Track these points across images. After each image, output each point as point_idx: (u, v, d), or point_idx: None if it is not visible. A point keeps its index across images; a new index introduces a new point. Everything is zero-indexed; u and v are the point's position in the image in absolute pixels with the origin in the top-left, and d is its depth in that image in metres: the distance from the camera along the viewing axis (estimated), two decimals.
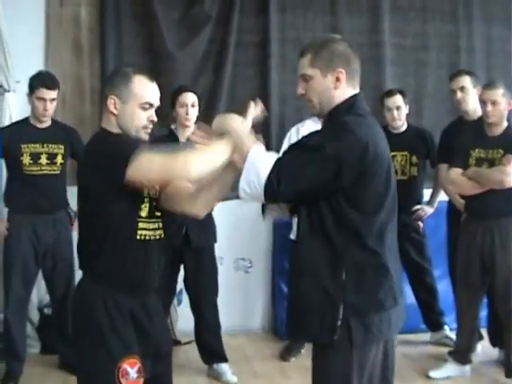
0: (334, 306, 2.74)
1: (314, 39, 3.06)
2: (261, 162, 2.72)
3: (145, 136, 3.01)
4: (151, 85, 3.03)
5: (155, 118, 3.04)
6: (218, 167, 2.83)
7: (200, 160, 2.78)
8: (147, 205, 2.97)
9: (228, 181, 2.99)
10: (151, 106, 3.01)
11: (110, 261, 2.93)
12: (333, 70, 2.84)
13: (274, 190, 2.68)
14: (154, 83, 3.05)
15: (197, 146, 2.85)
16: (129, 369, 2.89)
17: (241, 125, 2.90)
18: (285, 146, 5.83)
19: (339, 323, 2.73)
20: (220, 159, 2.81)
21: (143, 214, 2.95)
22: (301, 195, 2.75)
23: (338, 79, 2.85)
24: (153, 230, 3.00)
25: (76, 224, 5.30)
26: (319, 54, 2.87)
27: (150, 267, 3.05)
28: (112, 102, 2.97)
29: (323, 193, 2.74)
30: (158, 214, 3.03)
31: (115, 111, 2.98)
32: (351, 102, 2.88)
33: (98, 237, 2.93)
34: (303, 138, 2.87)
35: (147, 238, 2.97)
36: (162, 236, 3.08)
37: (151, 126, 3.04)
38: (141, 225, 2.95)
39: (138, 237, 2.95)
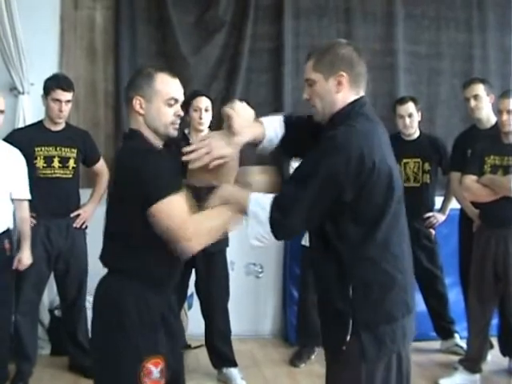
0: (343, 322, 2.74)
1: (320, 44, 3.05)
2: (261, 210, 2.71)
3: (173, 132, 3.05)
4: (174, 81, 3.07)
5: (182, 113, 3.07)
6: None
7: (208, 234, 2.86)
8: None
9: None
10: (176, 101, 3.04)
11: (142, 260, 2.95)
12: (334, 74, 2.82)
13: (282, 230, 2.71)
14: (177, 79, 3.08)
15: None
16: (152, 368, 2.92)
17: (227, 188, 2.92)
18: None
19: (348, 338, 2.72)
20: (223, 225, 2.90)
21: None
22: (309, 223, 2.75)
23: (339, 83, 2.82)
24: None
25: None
26: (322, 57, 2.86)
27: (177, 268, 3.13)
28: (137, 103, 3.01)
29: (327, 213, 2.72)
30: None
31: (142, 111, 3.01)
32: (352, 106, 2.85)
33: (127, 234, 2.96)
34: (296, 168, 2.81)
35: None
36: None
37: (179, 121, 3.07)
38: None
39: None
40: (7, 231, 4.83)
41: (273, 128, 3.06)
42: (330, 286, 2.79)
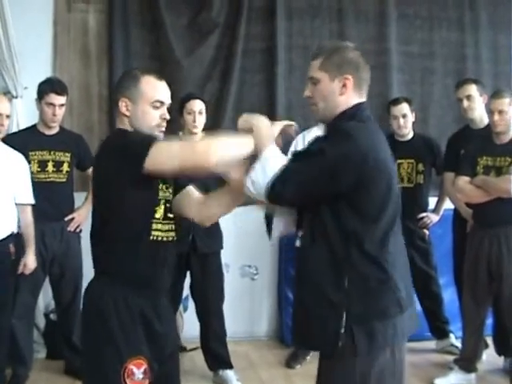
0: (337, 315, 2.74)
1: (328, 44, 3.05)
2: (270, 164, 2.73)
3: (159, 134, 3.01)
4: (160, 83, 3.05)
5: (168, 116, 3.05)
6: (239, 159, 2.83)
7: (221, 147, 2.79)
8: (162, 206, 3.00)
9: (238, 197, 3.03)
10: (162, 103, 3.02)
11: (121, 260, 2.92)
12: (340, 76, 2.85)
13: (277, 192, 2.70)
14: (163, 82, 3.06)
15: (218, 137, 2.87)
16: (135, 369, 2.89)
17: (265, 126, 2.89)
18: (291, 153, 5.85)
19: (342, 331, 2.72)
20: (242, 151, 2.81)
21: (157, 215, 2.97)
22: (302, 197, 2.76)
23: (344, 85, 2.85)
24: (166, 231, 3.01)
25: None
26: (330, 58, 2.88)
27: (162, 268, 3.06)
28: (123, 105, 3.00)
29: (323, 196, 2.74)
30: (171, 215, 3.05)
31: (127, 113, 3.00)
32: (355, 109, 2.88)
33: (111, 236, 2.93)
34: (308, 145, 2.89)
35: (159, 238, 2.98)
36: (174, 238, 3.08)
37: (164, 124, 3.05)
38: (154, 226, 2.95)
39: (151, 237, 2.95)
40: (11, 235, 4.83)
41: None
42: (323, 278, 2.79)
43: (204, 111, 5.27)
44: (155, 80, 3.03)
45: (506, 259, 4.99)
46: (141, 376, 2.91)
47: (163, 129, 3.05)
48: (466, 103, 5.60)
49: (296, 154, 2.85)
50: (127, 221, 2.90)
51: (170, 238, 3.05)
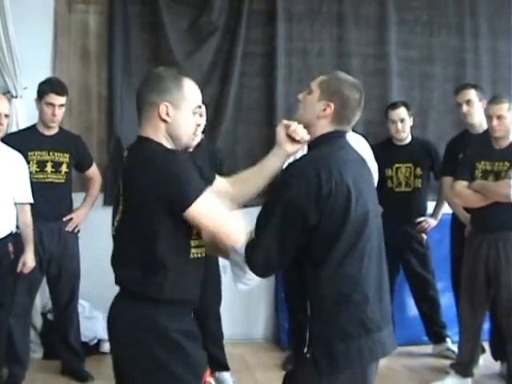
0: (302, 334, 2.81)
1: (341, 74, 3.10)
2: (239, 256, 2.77)
3: (192, 142, 2.96)
4: (197, 87, 2.89)
5: (200, 122, 2.96)
6: None
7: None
8: None
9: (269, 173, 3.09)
10: (200, 108, 2.91)
11: (170, 280, 2.74)
12: (327, 100, 2.90)
13: (259, 267, 2.76)
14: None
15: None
16: (208, 378, 2.88)
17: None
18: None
19: (305, 349, 2.77)
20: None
21: (194, 231, 2.82)
22: (284, 254, 2.78)
23: (324, 110, 2.90)
24: (200, 247, 2.86)
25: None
26: (331, 81, 2.96)
27: (198, 284, 2.96)
28: (164, 109, 2.77)
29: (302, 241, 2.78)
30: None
31: (168, 118, 2.78)
32: (328, 135, 2.93)
33: (158, 256, 2.71)
34: (262, 207, 2.87)
35: (197, 255, 2.84)
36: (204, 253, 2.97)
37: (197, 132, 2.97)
38: (193, 243, 2.81)
39: (192, 255, 2.81)
40: (10, 235, 4.83)
41: None
42: (294, 300, 2.87)
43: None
44: (193, 84, 2.87)
45: (504, 264, 4.99)
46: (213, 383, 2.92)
47: (195, 136, 2.98)
48: (465, 108, 5.62)
49: (257, 220, 2.85)
50: (170, 240, 2.74)
51: (204, 254, 2.92)
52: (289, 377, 2.97)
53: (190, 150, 5.10)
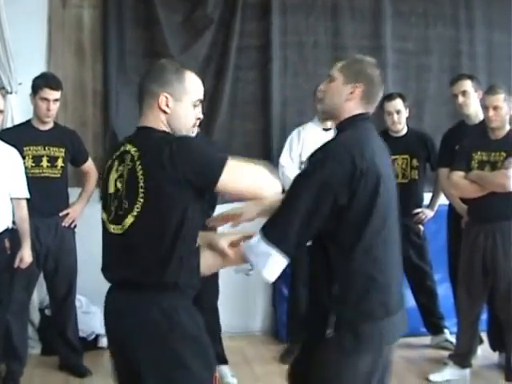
0: (326, 317, 2.79)
1: (357, 56, 3.20)
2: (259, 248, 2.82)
3: (193, 135, 3.01)
4: (199, 81, 2.93)
5: (201, 116, 2.99)
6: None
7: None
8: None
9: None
10: (200, 102, 2.94)
11: (183, 270, 2.74)
12: (353, 83, 2.96)
13: (281, 241, 2.77)
14: (200, 80, 2.95)
15: None
16: (216, 375, 2.89)
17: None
18: (286, 149, 5.86)
19: (330, 331, 2.78)
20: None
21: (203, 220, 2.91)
22: (307, 232, 2.80)
23: (352, 92, 2.96)
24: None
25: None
26: (351, 64, 3.05)
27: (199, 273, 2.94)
28: (165, 100, 2.81)
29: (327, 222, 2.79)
30: None
31: (167, 109, 2.81)
32: (357, 118, 2.98)
33: (172, 245, 2.70)
34: (293, 181, 2.90)
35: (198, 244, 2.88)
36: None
37: (197, 124, 3.00)
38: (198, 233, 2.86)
39: (197, 244, 2.85)
40: (7, 230, 4.83)
41: None
42: (318, 284, 2.87)
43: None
44: (196, 77, 2.91)
45: (501, 254, 5.00)
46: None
47: (195, 130, 2.99)
48: (461, 99, 5.61)
49: (284, 202, 2.85)
50: (185, 229, 2.72)
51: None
52: (302, 362, 3.00)
53: None
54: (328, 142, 2.92)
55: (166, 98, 2.80)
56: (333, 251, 2.82)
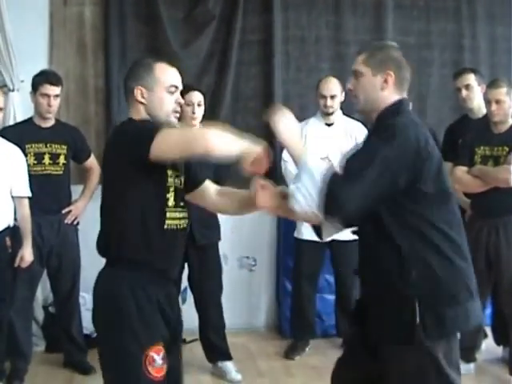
0: (410, 307, 2.79)
1: (375, 43, 3.21)
2: (318, 175, 2.77)
3: (175, 120, 3.13)
4: (172, 69, 3.15)
5: (182, 100, 3.16)
6: (231, 155, 2.86)
7: (218, 136, 2.84)
8: (172, 194, 3.05)
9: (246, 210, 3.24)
10: (176, 88, 3.12)
11: (137, 249, 2.97)
12: (383, 72, 2.96)
13: (338, 204, 2.74)
14: (175, 68, 3.17)
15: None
16: (155, 356, 2.95)
17: (294, 131, 3.05)
18: (285, 155, 5.83)
19: (418, 321, 2.78)
20: (235, 146, 2.85)
21: (169, 203, 3.03)
22: (364, 206, 2.78)
23: (386, 81, 2.96)
24: (178, 219, 3.08)
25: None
26: (374, 54, 3.02)
27: (175, 256, 3.17)
28: (139, 93, 3.06)
29: (384, 199, 2.80)
30: (182, 203, 3.12)
31: (143, 100, 3.07)
32: (399, 104, 2.98)
33: (125, 224, 2.98)
34: (354, 152, 2.92)
35: (173, 227, 3.04)
36: (186, 225, 3.16)
37: (179, 109, 3.15)
38: (168, 214, 3.02)
39: (166, 226, 3.01)
40: (8, 228, 4.83)
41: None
42: (391, 275, 2.83)
43: (203, 103, 5.27)
44: (168, 66, 3.14)
45: (505, 248, 4.99)
46: (160, 362, 2.97)
47: (178, 114, 3.14)
48: (464, 93, 5.60)
49: (348, 160, 2.87)
50: (140, 209, 2.97)
51: (183, 226, 3.12)
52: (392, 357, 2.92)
53: None
54: (391, 123, 2.88)
55: (141, 90, 3.06)
56: (406, 235, 2.82)
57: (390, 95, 2.97)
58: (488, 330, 5.70)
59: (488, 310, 5.52)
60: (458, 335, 2.95)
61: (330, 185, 2.71)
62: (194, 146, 2.83)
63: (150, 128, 2.89)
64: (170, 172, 3.04)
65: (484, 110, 5.34)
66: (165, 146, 2.83)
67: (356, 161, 2.83)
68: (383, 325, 2.91)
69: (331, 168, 2.82)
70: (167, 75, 3.10)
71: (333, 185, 2.71)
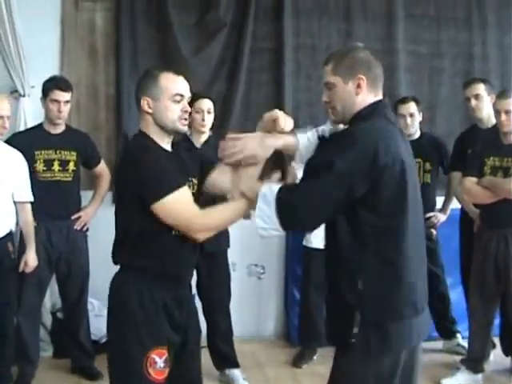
0: (351, 315, 2.77)
1: (338, 49, 3.14)
2: (270, 192, 2.77)
3: (182, 127, 3.18)
4: (178, 78, 3.18)
5: (189, 108, 3.20)
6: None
7: (213, 226, 3.08)
8: None
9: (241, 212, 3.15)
10: (182, 96, 3.17)
11: (147, 255, 3.06)
12: (354, 77, 2.90)
13: (293, 220, 2.76)
14: (181, 76, 3.20)
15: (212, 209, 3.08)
16: (157, 358, 3.03)
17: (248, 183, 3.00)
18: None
19: (356, 330, 2.76)
20: (234, 220, 3.08)
21: None
22: (320, 218, 2.79)
23: (358, 86, 2.90)
24: None
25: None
26: (341, 61, 2.94)
27: (185, 261, 3.22)
28: (145, 103, 3.14)
29: (340, 208, 2.76)
30: None
31: (150, 110, 3.14)
32: (374, 107, 2.92)
33: (135, 231, 3.07)
34: (310, 159, 2.90)
35: (179, 233, 3.08)
36: None
37: (186, 116, 3.18)
38: None
39: (174, 232, 3.08)
40: (10, 234, 4.85)
41: (305, 137, 3.13)
42: (340, 280, 2.84)
43: (212, 110, 5.28)
44: (173, 75, 3.18)
45: None
46: (162, 365, 3.05)
47: (186, 122, 3.19)
48: (473, 102, 5.59)
49: (304, 172, 2.86)
50: (149, 217, 3.01)
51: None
52: (335, 363, 2.95)
53: (199, 146, 5.14)
54: (351, 130, 2.88)
55: (147, 100, 3.14)
56: (356, 245, 2.78)
57: (365, 98, 2.91)
58: (496, 341, 5.68)
59: (497, 321, 5.50)
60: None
61: (280, 200, 2.72)
62: (187, 229, 3.00)
63: (159, 186, 2.98)
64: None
65: (494, 120, 5.33)
66: (163, 214, 2.97)
67: (311, 169, 2.81)
68: (328, 327, 3.00)
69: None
70: (172, 84, 3.14)
71: (283, 200, 2.73)
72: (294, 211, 2.74)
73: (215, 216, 3.05)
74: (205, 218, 3.02)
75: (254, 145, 2.99)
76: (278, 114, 3.05)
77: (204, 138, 5.23)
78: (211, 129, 5.29)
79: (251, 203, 2.89)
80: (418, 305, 2.85)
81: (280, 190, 2.74)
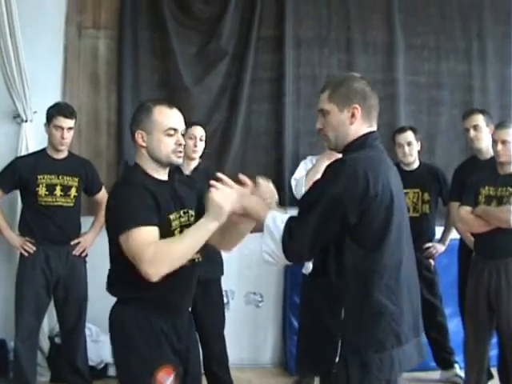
0: (333, 343, 2.78)
1: (335, 76, 3.15)
2: (275, 228, 2.81)
3: (177, 160, 3.17)
4: (171, 111, 3.19)
5: (183, 142, 3.19)
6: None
7: (168, 260, 2.92)
8: (179, 230, 3.11)
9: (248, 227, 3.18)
10: (175, 130, 3.16)
11: (139, 285, 2.97)
12: (348, 106, 2.93)
13: (290, 251, 2.80)
14: (175, 109, 3.20)
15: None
16: (165, 377, 3.03)
17: (250, 199, 3.02)
18: (300, 167, 5.81)
19: (337, 359, 2.76)
20: (196, 243, 2.98)
21: None
22: (317, 246, 2.81)
23: (353, 115, 2.93)
24: None
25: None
26: (337, 89, 2.97)
27: (184, 291, 3.21)
28: (139, 136, 3.16)
29: (334, 236, 2.80)
30: None
31: (144, 144, 3.15)
32: (364, 138, 2.95)
33: (126, 262, 2.98)
34: (306, 193, 2.97)
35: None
36: (199, 259, 3.23)
37: (181, 149, 3.17)
38: None
39: None
40: None
41: (281, 218, 2.97)
42: (322, 307, 2.84)
43: (204, 138, 5.33)
44: (167, 109, 3.18)
45: (505, 292, 4.92)
46: (169, 383, 3.04)
47: (181, 154, 3.18)
48: (472, 133, 5.63)
49: (302, 197, 2.93)
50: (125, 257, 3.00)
51: (196, 260, 3.20)
52: None
53: (188, 173, 5.17)
54: (343, 159, 2.89)
55: (141, 134, 3.16)
56: (341, 272, 2.79)
57: (358, 128, 2.95)
58: (494, 371, 5.66)
59: (494, 351, 5.48)
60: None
61: (284, 233, 2.78)
62: (142, 266, 2.90)
63: (126, 218, 2.96)
64: (173, 216, 3.12)
65: (492, 151, 5.36)
66: (125, 246, 2.94)
67: (306, 201, 2.87)
68: (308, 356, 3.02)
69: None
70: (165, 118, 3.14)
71: (286, 233, 2.78)
72: (293, 249, 2.80)
73: (167, 244, 2.95)
74: (156, 247, 2.91)
75: (223, 198, 2.96)
76: (266, 185, 3.10)
77: (194, 164, 5.27)
78: (201, 156, 5.32)
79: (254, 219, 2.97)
80: (401, 336, 2.83)
81: (284, 229, 2.79)
